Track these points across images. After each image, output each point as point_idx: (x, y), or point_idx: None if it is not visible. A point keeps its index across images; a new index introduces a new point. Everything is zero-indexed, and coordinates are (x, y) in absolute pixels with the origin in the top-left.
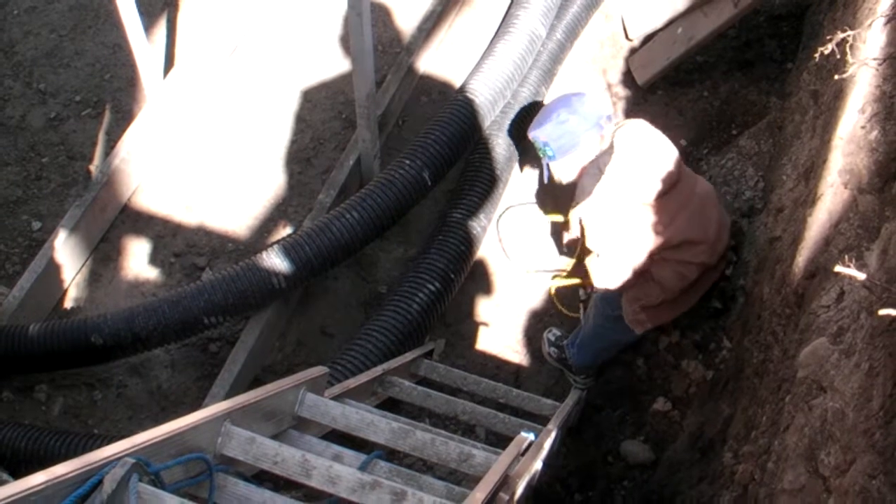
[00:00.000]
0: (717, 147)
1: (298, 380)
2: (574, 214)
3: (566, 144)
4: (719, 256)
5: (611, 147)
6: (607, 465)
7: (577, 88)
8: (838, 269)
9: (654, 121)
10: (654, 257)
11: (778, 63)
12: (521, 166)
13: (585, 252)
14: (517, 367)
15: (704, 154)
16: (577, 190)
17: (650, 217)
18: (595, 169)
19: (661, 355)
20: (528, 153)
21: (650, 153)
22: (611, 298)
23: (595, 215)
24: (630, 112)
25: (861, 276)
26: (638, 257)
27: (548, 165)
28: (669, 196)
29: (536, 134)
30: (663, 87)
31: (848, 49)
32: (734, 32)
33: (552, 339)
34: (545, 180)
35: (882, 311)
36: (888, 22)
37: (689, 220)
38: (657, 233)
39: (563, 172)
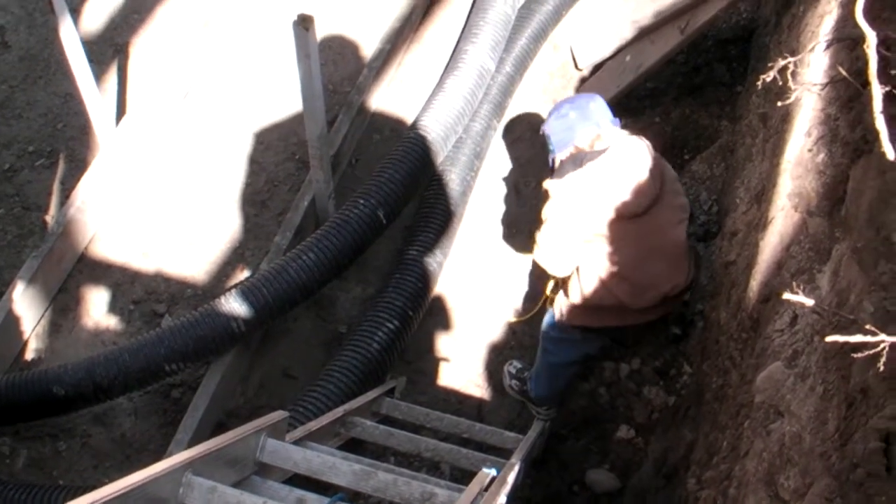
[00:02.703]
0: None
1: (259, 426)
2: (545, 184)
3: (564, 139)
4: (648, 303)
5: (605, 150)
6: (573, 495)
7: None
8: (787, 296)
9: None
10: (586, 264)
11: (727, 86)
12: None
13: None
14: (479, 401)
15: None
16: (556, 167)
17: (604, 231)
18: (581, 157)
19: (623, 383)
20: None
21: (632, 176)
22: (550, 320)
23: (554, 197)
24: None
25: (809, 302)
26: (575, 253)
27: (552, 160)
28: (632, 223)
29: (543, 127)
30: (614, 114)
31: (790, 76)
32: (683, 58)
33: (513, 371)
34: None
35: (829, 338)
36: (829, 47)
37: (635, 255)
38: (602, 249)
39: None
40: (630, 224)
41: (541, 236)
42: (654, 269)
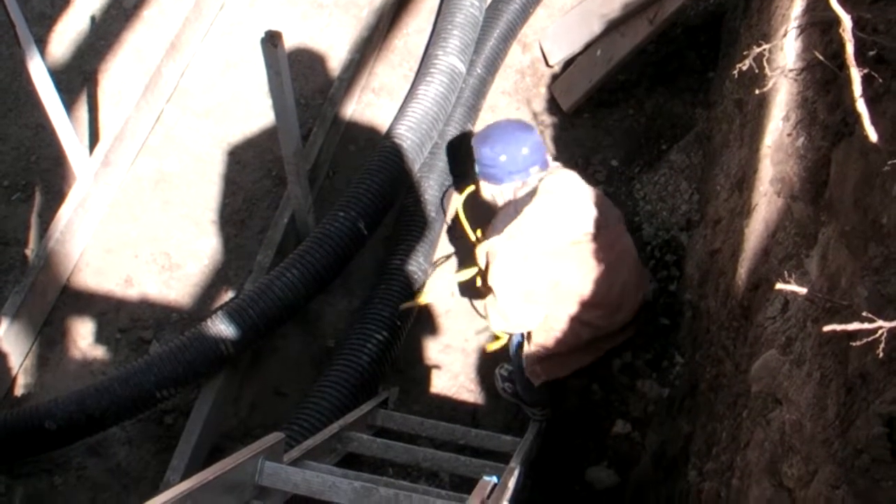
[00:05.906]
0: (649, 164)
1: (255, 449)
2: (481, 249)
3: (490, 174)
4: (622, 323)
5: (533, 190)
6: (574, 493)
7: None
8: (780, 286)
9: (584, 144)
10: (554, 308)
11: (699, 73)
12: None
13: (486, 289)
14: (474, 406)
15: (636, 172)
16: (489, 227)
17: (559, 266)
18: (512, 209)
19: (616, 378)
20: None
21: (577, 199)
22: (514, 352)
23: (500, 254)
24: (558, 138)
25: (802, 290)
26: (535, 305)
27: (478, 174)
28: (589, 247)
29: (475, 145)
30: (588, 109)
31: (765, 63)
32: (653, 48)
33: (504, 374)
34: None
35: (826, 328)
36: (802, 32)
37: (601, 278)
38: (567, 286)
39: (483, 190)
40: (588, 248)
41: (502, 305)
42: (621, 283)
